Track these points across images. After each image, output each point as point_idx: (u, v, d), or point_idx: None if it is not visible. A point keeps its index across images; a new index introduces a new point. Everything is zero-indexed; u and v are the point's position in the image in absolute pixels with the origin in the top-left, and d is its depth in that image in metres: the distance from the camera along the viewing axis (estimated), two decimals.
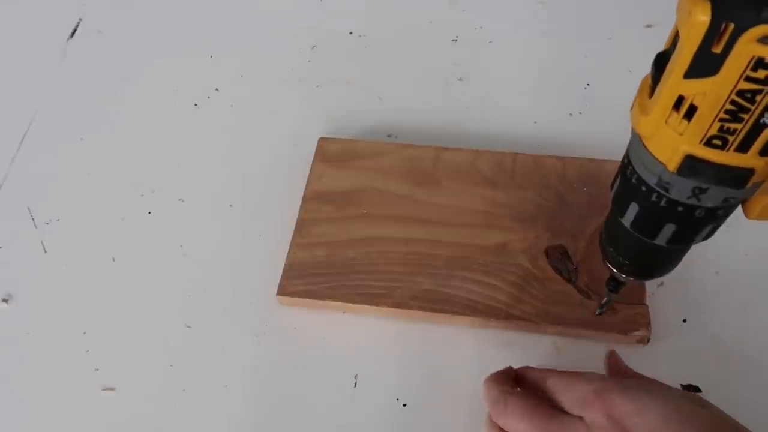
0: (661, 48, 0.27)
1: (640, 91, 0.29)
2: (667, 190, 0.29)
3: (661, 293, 0.46)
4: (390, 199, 0.50)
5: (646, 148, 0.28)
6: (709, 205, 0.29)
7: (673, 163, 0.27)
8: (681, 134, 0.26)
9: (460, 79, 0.61)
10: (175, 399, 0.45)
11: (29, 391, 0.46)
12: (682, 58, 0.24)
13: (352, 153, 0.53)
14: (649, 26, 0.62)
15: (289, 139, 0.58)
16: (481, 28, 0.65)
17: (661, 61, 0.26)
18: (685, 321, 0.45)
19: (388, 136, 0.57)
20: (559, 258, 0.47)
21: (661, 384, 0.36)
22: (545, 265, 0.46)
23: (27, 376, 0.47)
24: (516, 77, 0.60)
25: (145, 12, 0.70)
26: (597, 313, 0.43)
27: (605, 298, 0.42)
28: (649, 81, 0.28)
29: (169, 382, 0.46)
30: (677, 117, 0.26)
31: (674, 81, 0.25)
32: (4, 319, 0.49)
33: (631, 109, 0.29)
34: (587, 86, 0.59)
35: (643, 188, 0.30)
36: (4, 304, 0.50)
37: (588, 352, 0.43)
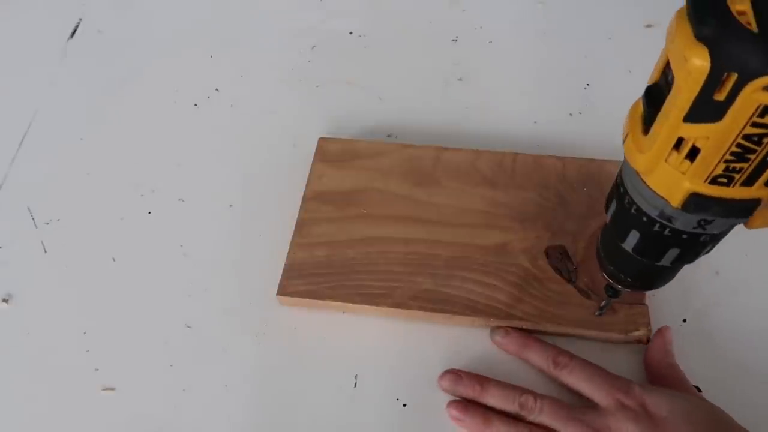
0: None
1: (631, 123, 0.28)
2: (670, 221, 0.28)
3: (661, 293, 0.46)
4: (390, 199, 0.50)
5: (644, 182, 0.27)
6: (715, 232, 0.28)
7: (676, 200, 0.26)
8: (683, 173, 0.25)
9: (460, 79, 0.61)
10: (175, 399, 0.45)
11: (29, 391, 0.46)
12: (680, 102, 0.23)
13: (352, 153, 0.53)
14: (649, 26, 0.62)
15: (289, 139, 0.58)
16: (481, 28, 0.65)
17: (652, 96, 0.25)
18: (685, 321, 0.45)
19: (388, 136, 0.57)
20: (559, 258, 0.47)
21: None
22: (545, 265, 0.46)
23: (27, 376, 0.47)
24: (516, 77, 0.60)
25: (145, 12, 0.70)
26: (597, 314, 0.43)
27: (603, 302, 0.42)
28: (639, 111, 0.27)
29: (169, 382, 0.46)
30: (678, 157, 0.25)
31: (673, 123, 0.24)
32: (4, 319, 0.49)
33: (623, 141, 0.28)
34: (587, 86, 0.59)
35: (644, 218, 0.29)
36: (4, 304, 0.50)
37: (588, 352, 0.43)
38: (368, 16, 0.67)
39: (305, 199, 0.51)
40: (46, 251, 0.53)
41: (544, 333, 0.44)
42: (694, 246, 0.29)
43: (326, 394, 0.44)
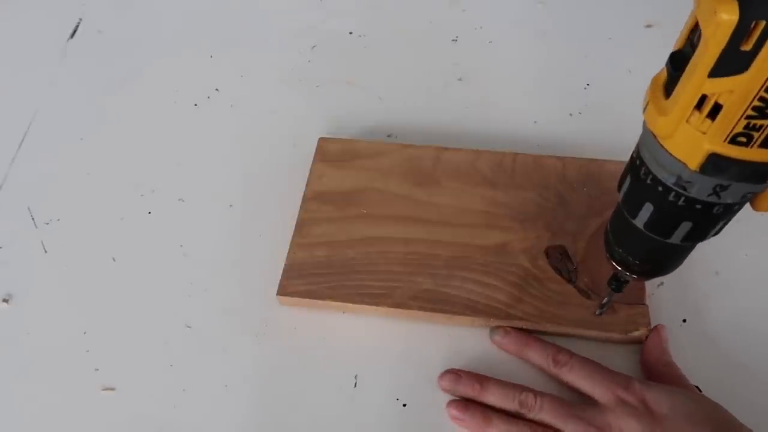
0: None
1: (652, 91, 0.28)
2: (686, 189, 0.28)
3: (661, 293, 0.46)
4: (390, 199, 0.50)
5: (663, 148, 0.28)
6: (729, 201, 0.28)
7: (694, 162, 0.27)
8: (704, 133, 0.26)
9: (460, 79, 0.61)
10: (175, 399, 0.45)
11: (29, 391, 0.46)
12: (707, 57, 0.24)
13: (352, 153, 0.53)
14: (649, 26, 0.62)
15: (289, 139, 0.58)
16: (481, 28, 0.65)
17: (676, 61, 0.26)
18: (685, 321, 0.45)
19: (388, 136, 0.57)
20: (559, 258, 0.47)
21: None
22: (545, 265, 0.46)
23: (27, 376, 0.47)
24: (516, 77, 0.60)
25: (145, 12, 0.70)
26: (597, 313, 0.43)
27: (605, 299, 0.42)
28: (661, 81, 0.28)
29: (169, 382, 0.46)
30: (700, 116, 0.25)
31: (697, 80, 0.25)
32: (4, 319, 0.49)
33: (644, 110, 0.29)
34: (587, 86, 0.59)
35: (660, 188, 0.29)
36: (4, 304, 0.50)
37: (588, 352, 0.43)
38: (368, 16, 0.67)
39: (305, 199, 0.51)
40: (46, 251, 0.53)
41: (544, 333, 0.44)
42: (707, 219, 0.30)
43: (326, 394, 0.44)
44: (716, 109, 0.25)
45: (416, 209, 0.50)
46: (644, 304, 0.44)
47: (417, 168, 0.52)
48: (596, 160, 0.51)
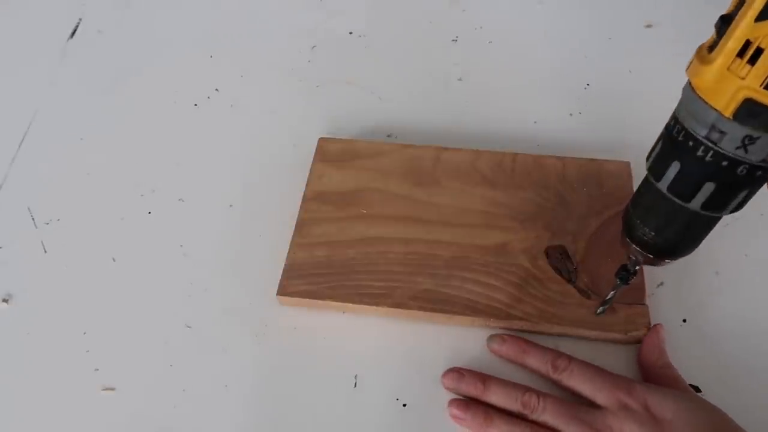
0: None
1: (697, 52, 0.30)
2: (715, 143, 0.30)
3: (661, 293, 0.46)
4: (390, 199, 0.50)
5: (701, 98, 0.29)
6: (754, 159, 0.30)
7: (730, 108, 0.28)
8: (743, 78, 0.27)
9: (460, 79, 0.61)
10: (175, 399, 0.45)
11: (29, 391, 0.46)
12: (756, 3, 0.26)
13: (352, 153, 0.53)
14: (649, 26, 0.62)
15: (289, 139, 0.58)
16: (481, 28, 0.65)
17: (726, 20, 0.28)
18: (685, 321, 0.45)
19: (388, 136, 0.57)
20: (559, 258, 0.47)
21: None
22: (545, 265, 0.46)
23: (27, 376, 0.47)
24: (516, 77, 0.60)
25: (145, 12, 0.70)
26: (597, 312, 0.43)
27: (609, 294, 0.42)
28: (707, 44, 0.29)
29: (169, 382, 0.46)
30: (741, 63, 0.27)
31: (744, 26, 0.27)
32: (4, 319, 0.49)
33: (687, 69, 0.30)
34: (587, 86, 0.59)
35: (690, 143, 0.31)
36: (4, 304, 0.50)
37: (588, 352, 0.43)
38: (368, 16, 0.67)
39: (305, 199, 0.51)
40: (46, 251, 0.53)
41: (544, 333, 0.44)
42: (730, 181, 0.31)
43: (326, 394, 0.44)
44: (757, 53, 0.27)
45: (416, 209, 0.50)
46: (644, 304, 0.44)
47: (417, 168, 0.52)
48: (596, 160, 0.51)
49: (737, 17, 0.27)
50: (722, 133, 0.29)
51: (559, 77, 0.60)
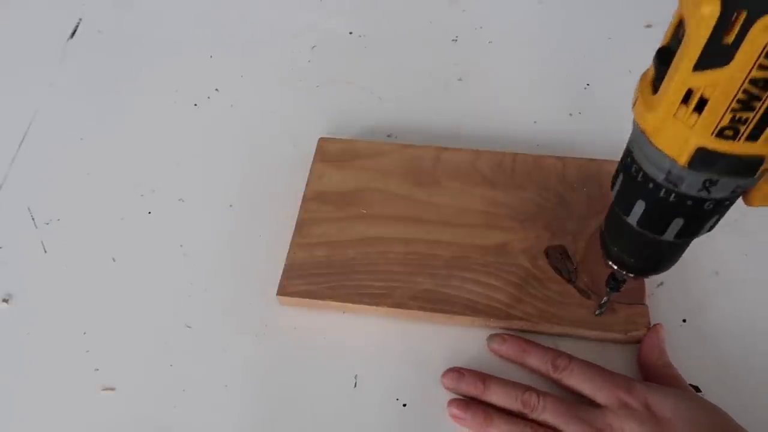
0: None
1: (641, 88, 0.29)
2: (676, 185, 0.29)
3: (661, 293, 0.46)
4: (390, 199, 0.50)
5: (652, 144, 0.28)
6: (719, 196, 0.29)
7: (683, 157, 0.27)
8: (691, 127, 0.26)
9: (460, 79, 0.61)
10: (175, 399, 0.45)
11: (29, 391, 0.46)
12: (691, 50, 0.24)
13: (352, 153, 0.53)
14: (649, 26, 0.62)
15: (289, 139, 0.58)
16: (481, 28, 0.65)
17: (663, 56, 0.26)
18: (684, 321, 0.45)
19: (388, 136, 0.57)
20: (559, 258, 0.47)
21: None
22: (545, 265, 0.46)
23: (27, 376, 0.47)
24: (516, 77, 0.60)
25: (145, 12, 0.70)
26: (596, 313, 0.43)
27: (604, 299, 0.42)
28: (650, 77, 0.28)
29: (169, 382, 0.46)
30: (686, 110, 0.26)
31: (683, 74, 0.25)
32: (4, 319, 0.49)
33: (633, 106, 0.29)
34: (587, 86, 0.59)
35: (651, 185, 0.30)
36: (4, 304, 0.50)
37: (588, 352, 0.43)
38: (368, 16, 0.67)
39: (305, 199, 0.51)
40: (46, 251, 0.53)
41: (544, 333, 0.44)
42: (698, 215, 0.30)
43: (326, 394, 0.44)
44: (702, 103, 0.25)
45: (416, 209, 0.50)
46: (644, 304, 0.44)
47: (417, 168, 0.52)
48: (596, 160, 0.51)
49: (674, 63, 0.25)
50: (681, 178, 0.28)
51: (559, 77, 0.60)
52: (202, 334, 0.48)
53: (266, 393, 0.45)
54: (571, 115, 0.57)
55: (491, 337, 0.44)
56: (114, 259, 0.52)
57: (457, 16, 0.66)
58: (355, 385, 0.44)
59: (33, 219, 0.55)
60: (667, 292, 0.46)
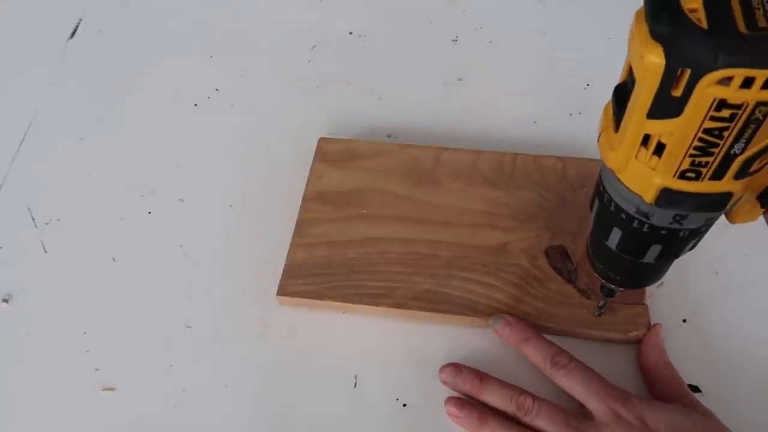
0: None
1: (604, 125, 0.28)
2: (647, 217, 0.28)
3: (661, 293, 0.46)
4: (390, 199, 0.50)
5: (619, 180, 0.28)
6: (692, 227, 0.28)
7: (649, 195, 0.27)
8: (653, 169, 0.25)
9: (460, 79, 0.61)
10: (175, 399, 0.45)
11: (29, 391, 0.46)
12: (642, 99, 0.24)
13: (352, 153, 0.53)
14: None
15: (289, 139, 0.58)
16: (481, 28, 0.65)
17: (620, 95, 0.26)
18: (685, 321, 0.45)
19: (388, 136, 0.57)
20: (559, 258, 0.47)
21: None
22: (545, 265, 0.46)
23: (27, 376, 0.47)
24: (516, 77, 0.60)
25: (145, 12, 0.70)
26: (596, 314, 0.43)
27: (601, 301, 0.42)
28: (612, 111, 0.27)
29: (169, 382, 0.46)
30: (647, 153, 0.25)
31: (638, 121, 0.24)
32: (4, 319, 0.49)
33: (598, 140, 0.29)
34: (587, 86, 0.59)
35: (623, 216, 0.29)
36: (4, 304, 0.50)
37: (588, 352, 0.43)
38: (368, 16, 0.67)
39: (305, 199, 0.51)
40: (46, 251, 0.53)
41: (544, 333, 0.44)
42: (675, 241, 0.30)
43: (326, 394, 0.44)
44: (661, 147, 0.25)
45: (416, 209, 0.50)
46: (644, 304, 0.44)
47: (417, 168, 0.52)
48: (596, 160, 0.50)
49: (629, 107, 0.25)
50: (650, 213, 0.28)
51: (559, 77, 0.60)
52: (202, 334, 0.48)
53: (266, 393, 0.45)
54: (571, 115, 0.57)
55: (496, 317, 0.44)
56: (114, 259, 0.52)
57: (457, 16, 0.66)
58: (355, 385, 0.44)
59: (33, 219, 0.55)
60: (667, 292, 0.46)
